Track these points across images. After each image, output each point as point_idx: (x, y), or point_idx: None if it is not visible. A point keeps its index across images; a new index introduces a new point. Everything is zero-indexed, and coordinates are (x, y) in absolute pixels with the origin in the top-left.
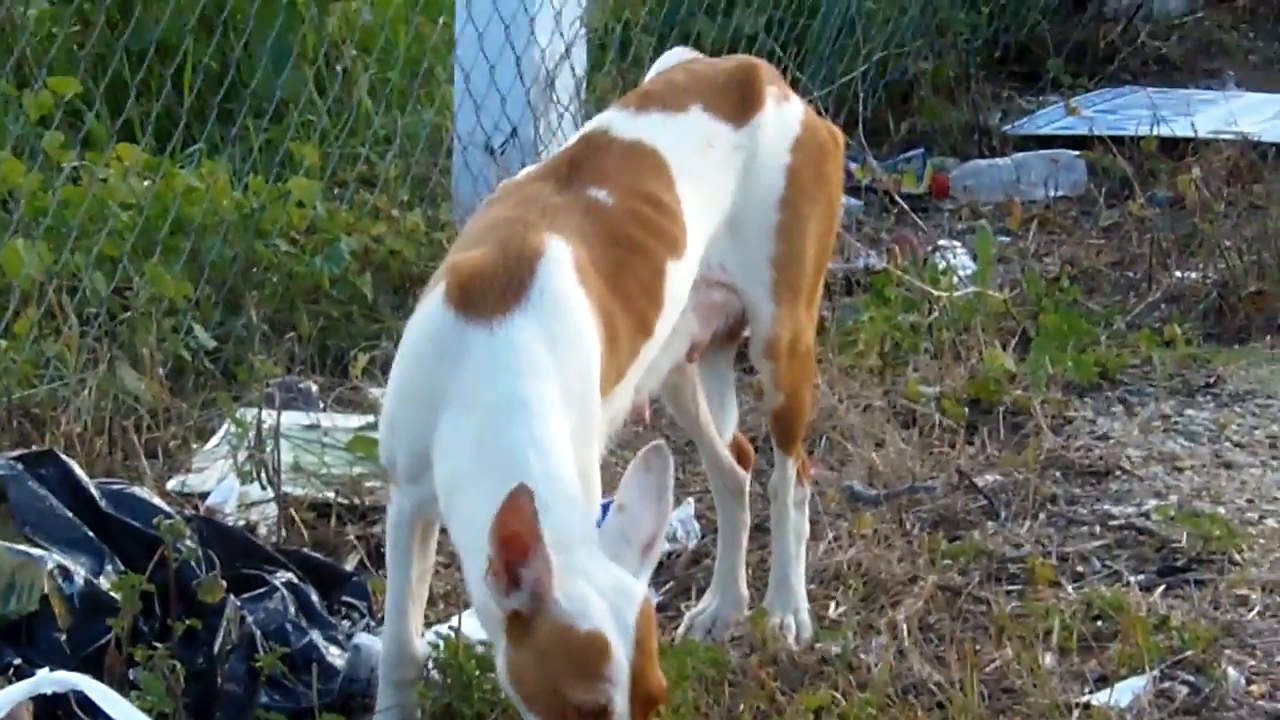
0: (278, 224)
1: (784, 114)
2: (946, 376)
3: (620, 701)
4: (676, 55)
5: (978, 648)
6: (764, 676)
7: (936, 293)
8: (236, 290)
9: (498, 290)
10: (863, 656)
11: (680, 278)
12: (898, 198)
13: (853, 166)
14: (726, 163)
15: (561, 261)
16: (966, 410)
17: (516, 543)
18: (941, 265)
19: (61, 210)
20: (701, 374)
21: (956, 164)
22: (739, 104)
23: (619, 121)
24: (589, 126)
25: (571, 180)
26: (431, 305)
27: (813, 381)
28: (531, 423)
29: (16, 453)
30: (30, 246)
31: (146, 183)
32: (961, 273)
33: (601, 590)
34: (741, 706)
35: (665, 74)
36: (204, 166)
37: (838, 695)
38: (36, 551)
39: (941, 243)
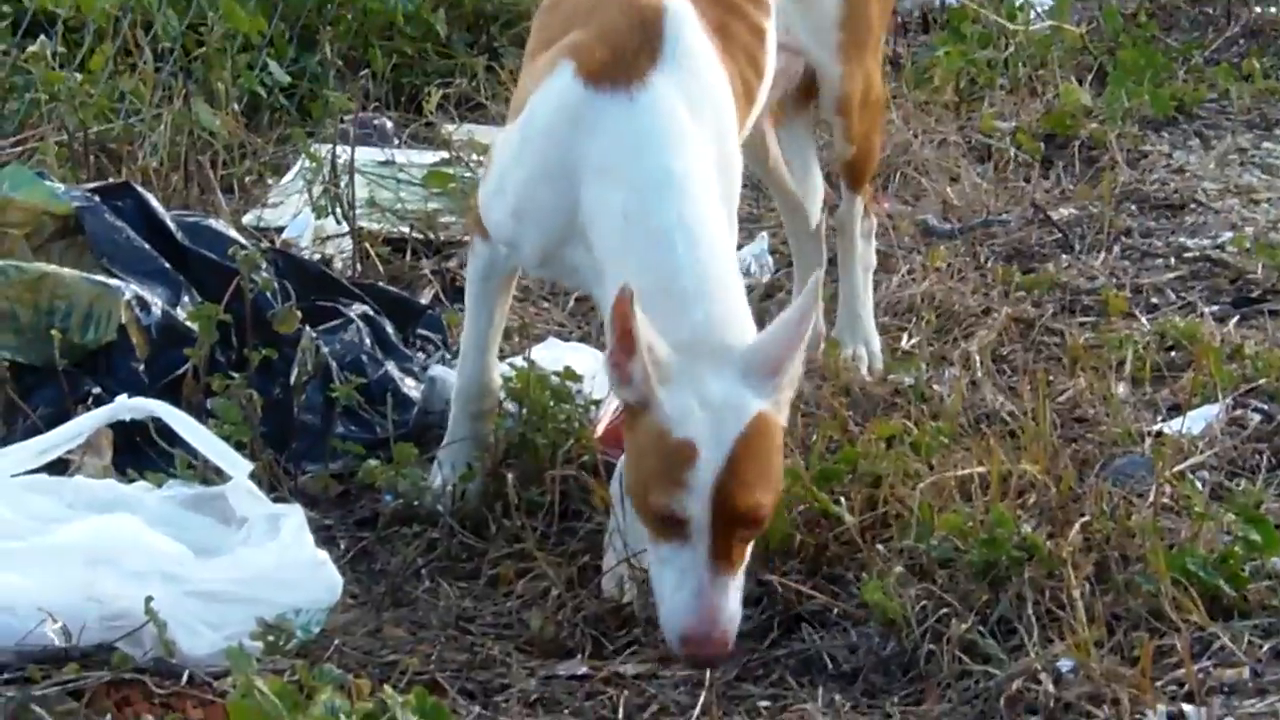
0: None
1: None
2: (1022, 111)
3: (698, 514)
4: None
5: (1050, 378)
6: (837, 406)
7: (1013, 28)
8: (311, 27)
9: (630, 55)
10: (935, 387)
11: (772, 45)
12: None
13: None
14: None
15: (687, 17)
16: (1042, 145)
17: (626, 340)
18: (1018, 0)
19: None
20: (784, 145)
21: None
22: None
23: None
24: None
25: None
26: (561, 82)
27: (883, 126)
28: (682, 203)
29: (93, 185)
30: None
31: None
32: (1038, 8)
33: (707, 401)
34: (815, 436)
35: None
36: None
37: (910, 425)
38: (114, 282)
39: None
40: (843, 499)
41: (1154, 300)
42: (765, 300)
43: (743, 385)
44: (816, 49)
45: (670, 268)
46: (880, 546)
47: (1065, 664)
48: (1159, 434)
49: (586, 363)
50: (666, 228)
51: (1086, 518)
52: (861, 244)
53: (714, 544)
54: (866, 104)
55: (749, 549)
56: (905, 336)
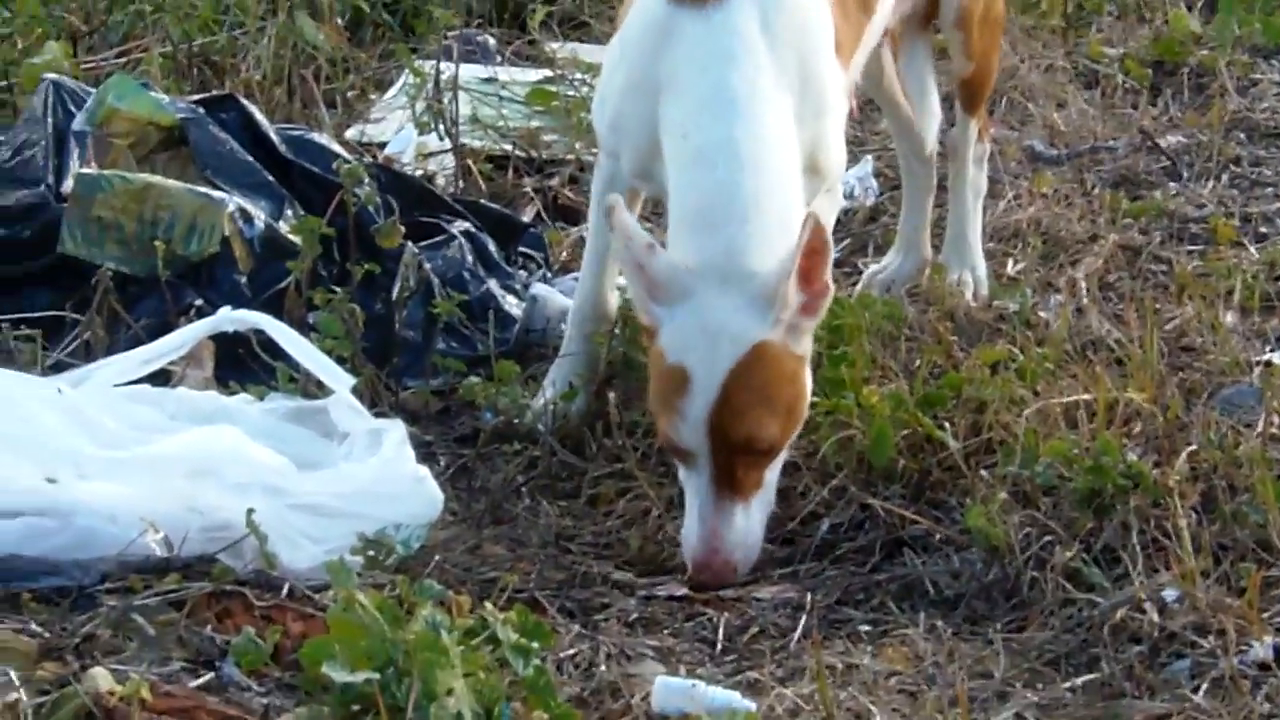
0: None
1: None
2: (1130, 38)
3: (696, 442)
4: None
5: (1157, 306)
6: (941, 331)
7: None
8: None
9: None
10: (1041, 314)
11: None
12: None
13: None
14: None
15: None
16: (1150, 71)
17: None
18: None
19: None
20: (902, 67)
21: None
22: None
23: None
24: None
25: None
26: None
27: (999, 49)
28: (734, 121)
29: (198, 97)
30: None
31: None
32: None
33: (705, 327)
34: (918, 361)
35: None
36: None
37: (1015, 350)
38: (217, 194)
39: None
40: (947, 424)
41: (1263, 229)
42: (869, 224)
43: (746, 312)
44: None
45: (707, 186)
46: (984, 472)
47: (1170, 593)
48: (1268, 363)
49: None
50: (713, 145)
51: (1193, 447)
52: (973, 169)
53: (716, 471)
54: (987, 20)
55: (767, 475)
56: (1011, 262)
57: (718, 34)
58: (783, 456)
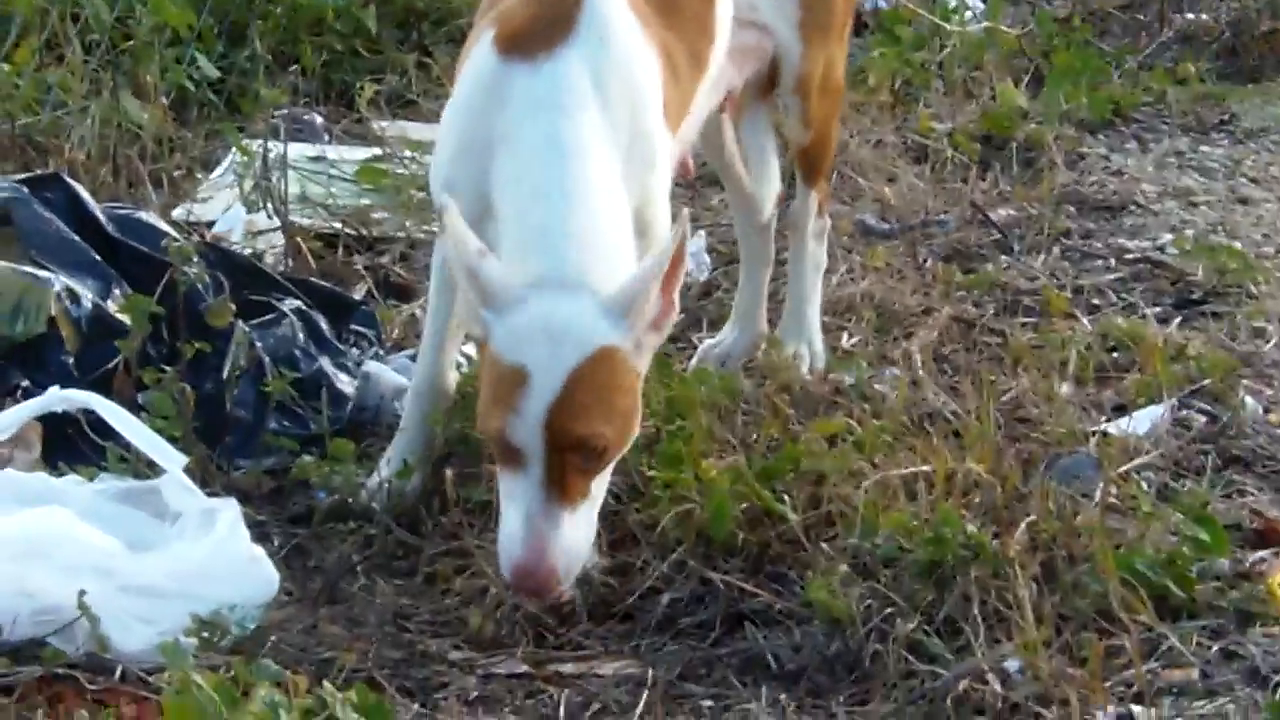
0: None
1: None
2: (958, 112)
3: (530, 440)
4: None
5: (993, 378)
6: (778, 404)
7: (948, 28)
8: (240, 21)
9: (544, 28)
10: (877, 386)
11: (724, 16)
12: None
13: None
14: None
15: None
16: (979, 146)
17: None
18: (952, 3)
19: None
20: (743, 135)
21: None
22: None
23: None
24: None
25: None
26: (481, 52)
27: (838, 118)
28: (565, 169)
29: (22, 176)
30: None
31: None
32: (972, 10)
33: (548, 328)
34: (755, 435)
35: None
36: None
37: (852, 423)
38: (43, 274)
39: None
40: (786, 497)
41: (1095, 301)
42: (703, 300)
43: (594, 316)
44: (778, 24)
45: (540, 214)
46: (824, 545)
47: (1013, 664)
48: (1104, 434)
49: None
50: (545, 184)
51: (1032, 517)
52: (813, 243)
53: (547, 473)
54: (826, 88)
55: (594, 488)
56: (845, 336)
57: (549, 86)
58: (608, 473)
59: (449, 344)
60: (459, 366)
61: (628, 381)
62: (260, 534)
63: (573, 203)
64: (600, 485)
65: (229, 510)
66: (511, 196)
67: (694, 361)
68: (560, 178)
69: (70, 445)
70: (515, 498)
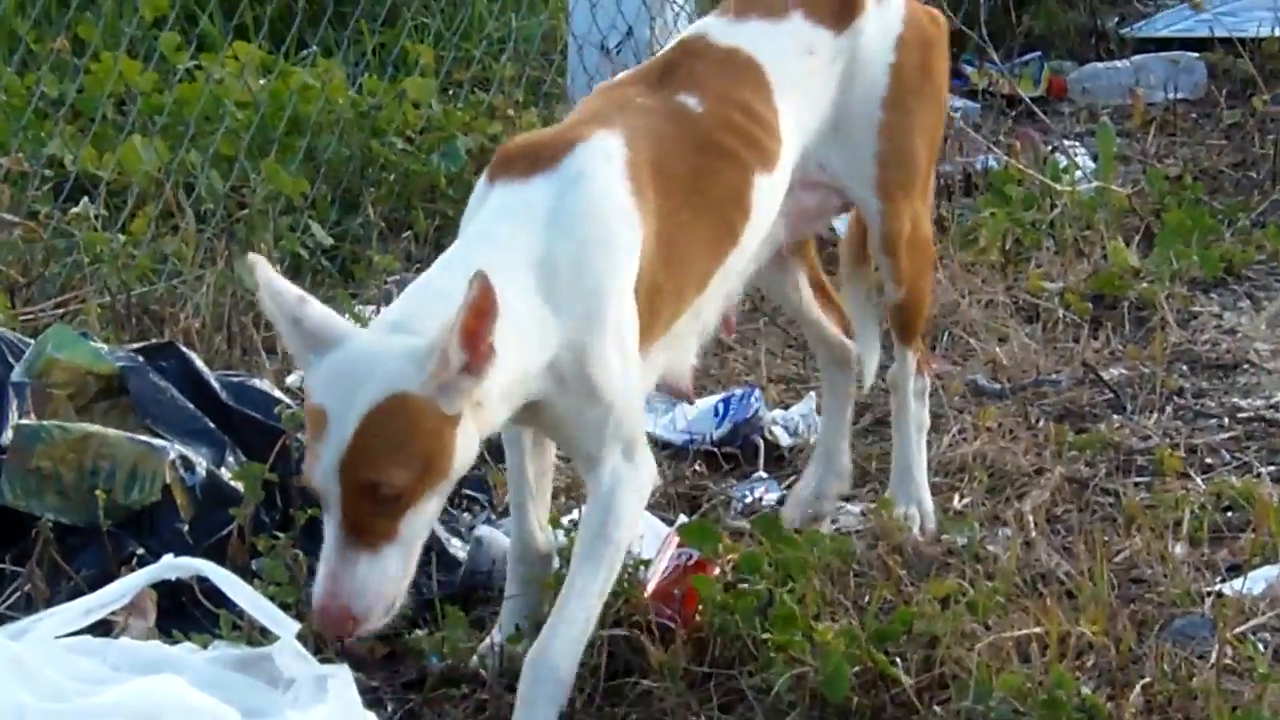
0: (393, 123)
1: (885, 12)
2: (1069, 272)
3: (326, 484)
4: None
5: (1106, 538)
6: (890, 566)
7: (1059, 188)
8: (353, 188)
9: (529, 160)
10: (989, 547)
11: (771, 189)
12: (1022, 98)
13: (969, 70)
14: (827, 69)
15: (605, 153)
16: (1090, 305)
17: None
18: (1062, 163)
19: (177, 109)
20: (845, 302)
21: (1074, 67)
22: (839, 8)
23: (717, 29)
24: (687, 32)
25: (663, 84)
26: (481, 179)
27: (932, 273)
28: (475, 249)
29: (137, 345)
30: (147, 145)
31: (261, 82)
32: (1083, 170)
33: (351, 372)
34: (868, 597)
35: None
36: (318, 66)
37: (965, 585)
38: (158, 442)
39: (1062, 142)
40: (898, 659)
41: (1208, 460)
42: None
43: (394, 362)
44: (855, 184)
45: (425, 281)
46: (937, 708)
47: None
48: (1219, 594)
49: None
50: (448, 259)
51: (1147, 679)
52: (915, 404)
53: (344, 516)
54: (914, 245)
55: (403, 528)
56: (957, 496)
57: (511, 203)
58: (426, 510)
59: (531, 504)
60: (555, 527)
61: (429, 426)
62: (373, 700)
63: (447, 272)
64: (411, 526)
65: (341, 676)
66: (432, 270)
67: (786, 507)
68: (465, 259)
69: (184, 612)
70: (325, 539)
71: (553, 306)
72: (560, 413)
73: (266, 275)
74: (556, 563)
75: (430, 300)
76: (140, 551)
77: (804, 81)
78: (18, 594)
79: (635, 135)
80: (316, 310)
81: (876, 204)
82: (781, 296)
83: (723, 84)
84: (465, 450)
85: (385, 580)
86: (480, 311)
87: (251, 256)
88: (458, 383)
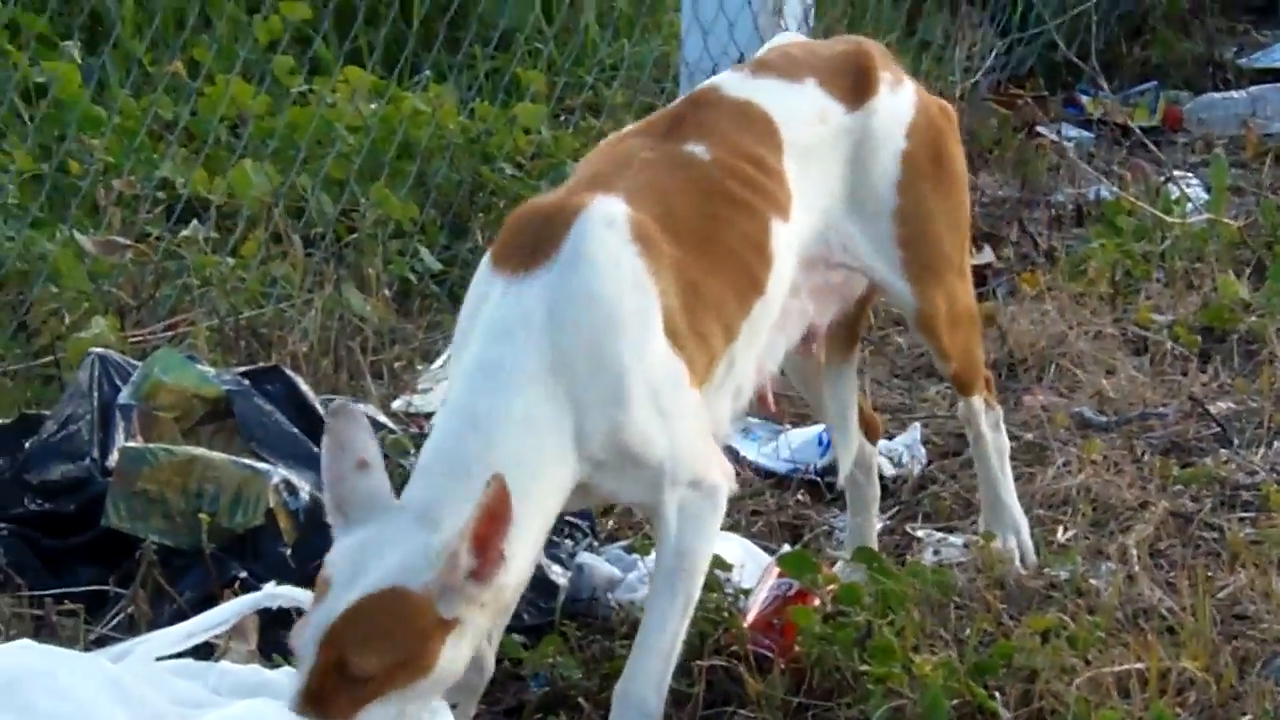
0: (504, 149)
1: (898, 99)
2: (1179, 304)
3: (303, 648)
4: (787, 38)
5: (1210, 573)
6: (990, 599)
7: (1170, 220)
8: (462, 214)
9: (532, 244)
10: (1092, 581)
11: (787, 240)
12: (1134, 129)
13: (1084, 99)
14: (836, 142)
15: (607, 220)
16: (1199, 338)
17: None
18: (1174, 194)
19: (289, 133)
20: (827, 390)
21: (1190, 97)
22: (853, 87)
23: (731, 82)
24: (700, 86)
25: (670, 135)
26: (486, 258)
27: (980, 338)
28: (488, 396)
29: (243, 369)
30: (258, 168)
31: (373, 106)
32: (1194, 202)
33: (364, 552)
34: (968, 629)
35: (780, 48)
36: (430, 91)
37: (1066, 619)
38: (262, 466)
39: (1174, 173)
40: (997, 693)
41: None
42: (919, 492)
43: (404, 555)
44: (880, 267)
45: (439, 441)
46: None
47: None
48: None
49: (735, 552)
50: (458, 409)
51: (1248, 717)
52: (991, 434)
53: (308, 684)
54: (954, 320)
55: (359, 714)
56: (1060, 529)
57: (507, 311)
58: (389, 709)
59: None
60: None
61: (420, 627)
62: None
63: (469, 432)
64: (370, 718)
65: (443, 713)
66: (440, 415)
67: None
68: (474, 408)
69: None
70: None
71: (577, 398)
72: (608, 490)
73: (344, 429)
74: (490, 676)
75: (449, 482)
76: (243, 575)
77: (814, 148)
78: (121, 616)
79: (638, 193)
80: (371, 482)
81: (906, 287)
82: (806, 387)
83: (733, 135)
84: (450, 658)
85: None
86: (494, 517)
87: (353, 406)
88: (463, 588)
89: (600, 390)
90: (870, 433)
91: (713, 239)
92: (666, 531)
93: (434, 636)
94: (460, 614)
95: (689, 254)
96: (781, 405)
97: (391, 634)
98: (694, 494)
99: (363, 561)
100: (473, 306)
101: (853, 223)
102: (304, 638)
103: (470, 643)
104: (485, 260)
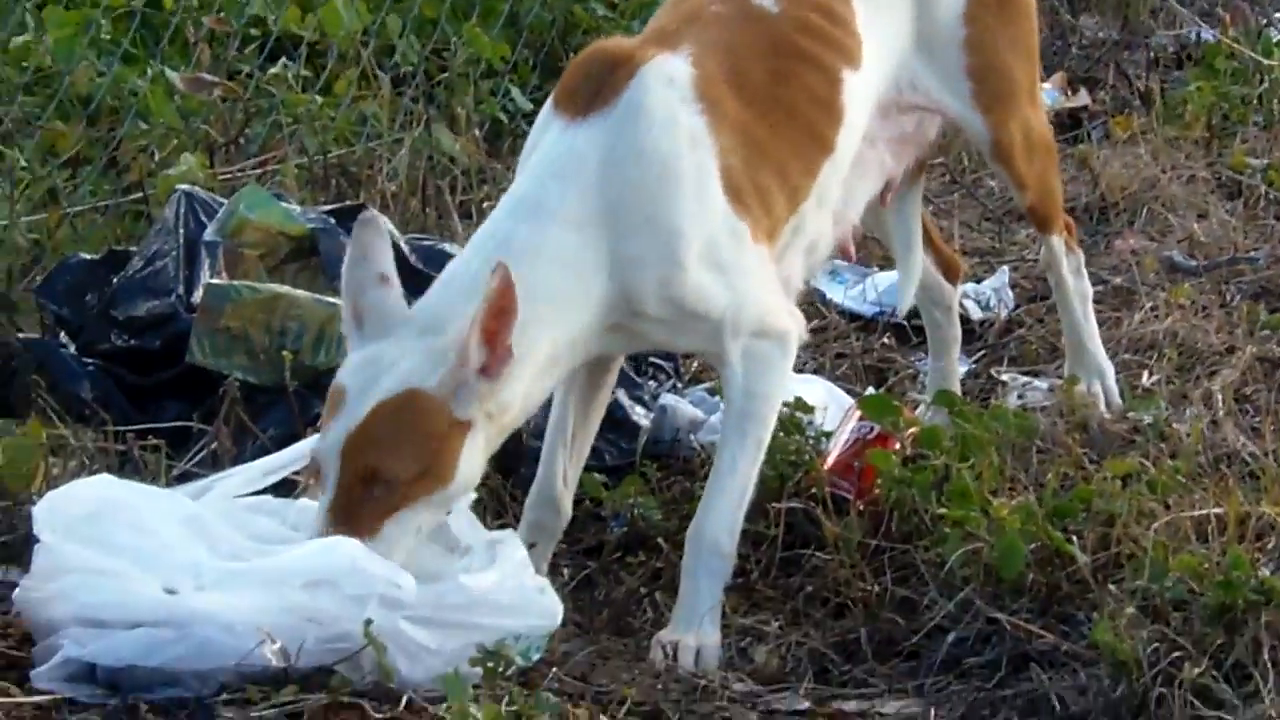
0: None
1: None
2: (1275, 148)
3: (326, 460)
4: None
5: None
6: (1071, 443)
7: (1269, 63)
8: (554, 53)
9: (589, 93)
10: (1175, 426)
11: (859, 90)
12: None
13: None
14: None
15: (667, 78)
16: None
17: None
18: (1275, 37)
19: None
20: (890, 219)
21: None
22: None
23: None
24: None
25: None
26: (549, 100)
27: (1057, 168)
28: (518, 227)
29: (329, 207)
30: (349, 5)
31: None
32: None
33: (375, 362)
34: (1049, 474)
35: None
36: None
37: (1147, 463)
38: None
39: (1275, 16)
40: (1075, 537)
41: None
42: (1004, 336)
43: (417, 359)
44: (952, 101)
45: (462, 260)
46: (1113, 587)
47: None
48: None
49: (818, 394)
50: (492, 234)
51: None
52: (1072, 279)
53: (335, 498)
54: (1030, 148)
55: (390, 526)
56: (1146, 374)
57: (559, 151)
58: (415, 516)
59: (562, 454)
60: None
61: (437, 428)
62: (551, 565)
63: (490, 260)
64: (397, 526)
65: (514, 542)
66: (474, 237)
67: None
68: (507, 236)
69: None
70: (315, 518)
71: (618, 249)
72: (660, 339)
73: (374, 239)
74: (568, 519)
75: (460, 295)
76: None
77: None
78: (204, 452)
79: (706, 50)
80: (388, 296)
81: (979, 118)
82: (881, 235)
83: None
84: (469, 463)
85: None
86: (499, 310)
87: (378, 217)
88: (475, 384)
89: (653, 247)
90: (950, 273)
91: (780, 99)
92: (733, 376)
93: (452, 437)
94: (473, 415)
95: (755, 114)
96: (867, 249)
97: (412, 434)
98: (760, 341)
99: (376, 372)
100: (532, 142)
101: (921, 60)
102: (325, 449)
103: (484, 451)
104: (550, 99)
